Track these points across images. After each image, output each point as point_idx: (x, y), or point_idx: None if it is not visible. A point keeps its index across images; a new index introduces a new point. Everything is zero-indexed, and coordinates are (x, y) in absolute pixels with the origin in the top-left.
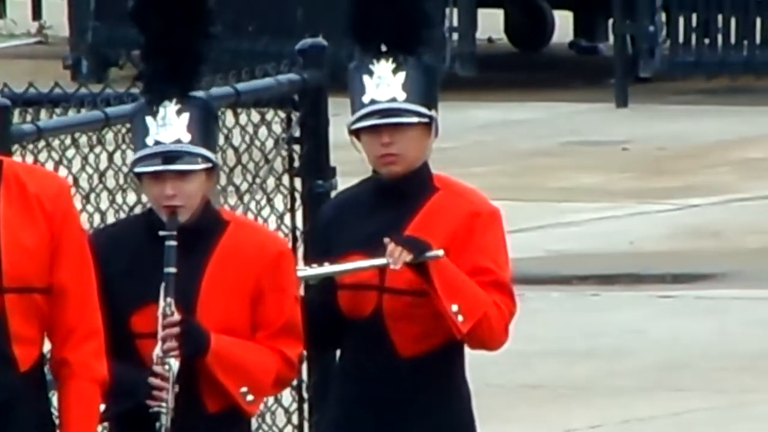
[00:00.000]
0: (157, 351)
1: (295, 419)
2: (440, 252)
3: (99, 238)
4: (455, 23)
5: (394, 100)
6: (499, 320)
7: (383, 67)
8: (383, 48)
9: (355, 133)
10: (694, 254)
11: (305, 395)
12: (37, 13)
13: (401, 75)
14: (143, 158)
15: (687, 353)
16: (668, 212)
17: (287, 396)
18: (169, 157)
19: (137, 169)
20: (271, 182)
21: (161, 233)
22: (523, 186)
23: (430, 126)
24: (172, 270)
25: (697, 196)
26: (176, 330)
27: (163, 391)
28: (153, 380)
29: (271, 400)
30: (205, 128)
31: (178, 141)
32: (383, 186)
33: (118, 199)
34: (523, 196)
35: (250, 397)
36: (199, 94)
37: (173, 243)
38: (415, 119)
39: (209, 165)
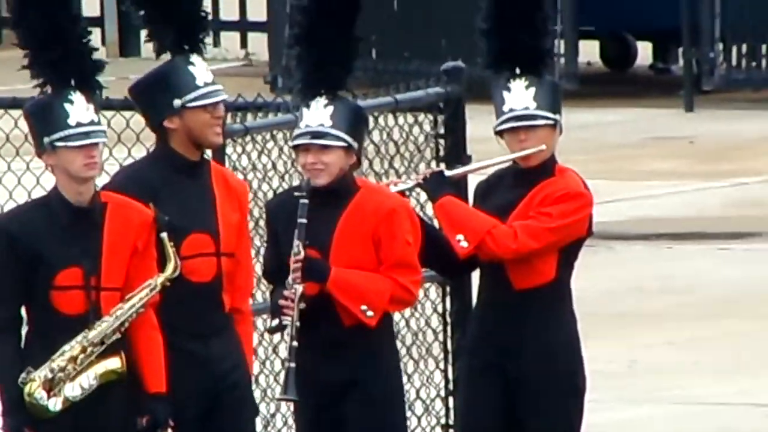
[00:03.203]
0: (288, 279)
1: (441, 338)
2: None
3: (271, 210)
4: (563, 51)
5: (527, 108)
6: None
7: (518, 85)
8: (518, 71)
9: (500, 133)
10: (743, 219)
11: (449, 320)
12: (244, 44)
13: (532, 90)
14: (297, 137)
15: (739, 291)
16: (724, 188)
17: (435, 320)
18: (315, 135)
19: (292, 143)
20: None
21: (295, 194)
22: (614, 170)
23: (555, 127)
24: (303, 221)
25: (745, 176)
26: (300, 264)
27: (289, 309)
28: (282, 301)
29: (422, 322)
30: (347, 119)
31: (321, 125)
32: (520, 171)
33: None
34: (614, 177)
35: (369, 313)
36: (345, 95)
37: (305, 201)
38: (542, 122)
39: (345, 144)
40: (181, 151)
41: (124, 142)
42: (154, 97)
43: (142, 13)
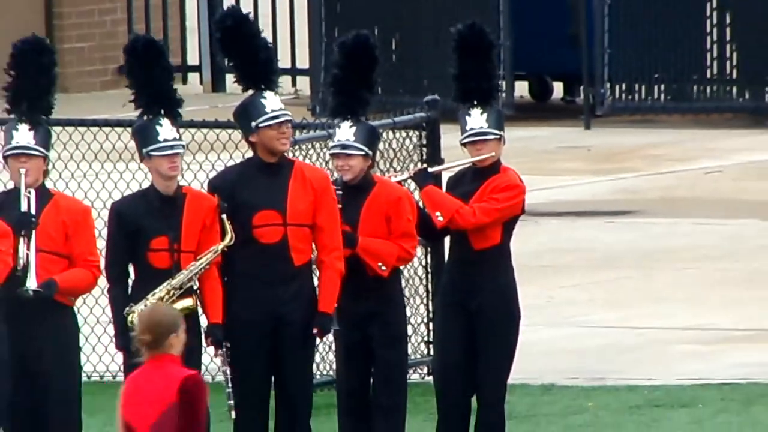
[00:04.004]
0: None
1: (424, 282)
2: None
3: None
4: (504, 88)
5: (481, 127)
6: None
7: (475, 111)
8: (475, 102)
9: (464, 145)
10: (622, 201)
11: (429, 270)
12: (294, 83)
13: (485, 115)
14: (332, 147)
15: (622, 250)
16: (610, 181)
17: (420, 270)
18: (344, 146)
19: (329, 152)
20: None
21: (333, 187)
22: (538, 168)
23: (500, 140)
24: (339, 206)
25: (624, 173)
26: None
27: None
28: None
29: (411, 272)
30: (365, 136)
31: (348, 139)
32: (477, 169)
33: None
34: (538, 173)
35: (383, 268)
36: (364, 120)
37: (340, 192)
38: (492, 137)
39: (363, 153)
40: (262, 156)
41: (215, 149)
42: (242, 121)
43: (228, 62)
